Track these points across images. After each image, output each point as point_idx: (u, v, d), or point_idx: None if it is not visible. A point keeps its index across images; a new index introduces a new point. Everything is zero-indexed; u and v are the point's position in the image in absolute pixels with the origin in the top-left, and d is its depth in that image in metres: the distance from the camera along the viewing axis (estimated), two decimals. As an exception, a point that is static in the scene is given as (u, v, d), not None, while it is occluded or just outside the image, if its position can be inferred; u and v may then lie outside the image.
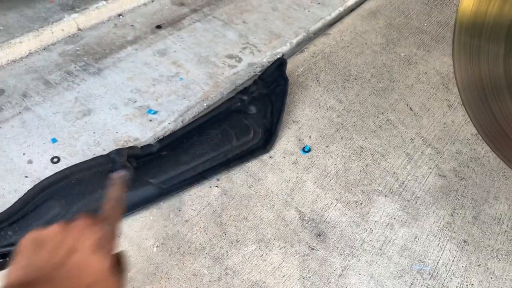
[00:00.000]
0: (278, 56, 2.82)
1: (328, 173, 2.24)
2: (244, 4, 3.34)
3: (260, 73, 2.64)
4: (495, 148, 1.58)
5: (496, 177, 2.31)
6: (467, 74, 1.43)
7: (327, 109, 2.59)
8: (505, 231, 2.07)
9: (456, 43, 1.37)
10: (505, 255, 1.97)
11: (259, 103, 2.45)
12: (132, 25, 2.97)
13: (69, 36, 2.81)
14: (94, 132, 2.26)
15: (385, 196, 2.17)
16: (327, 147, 2.37)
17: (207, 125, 2.30)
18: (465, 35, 1.33)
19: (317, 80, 2.77)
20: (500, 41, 1.26)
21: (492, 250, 1.99)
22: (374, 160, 2.34)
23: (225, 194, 2.10)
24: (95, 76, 2.56)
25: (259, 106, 2.44)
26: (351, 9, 3.45)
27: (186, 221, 1.98)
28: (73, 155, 2.14)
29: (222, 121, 2.34)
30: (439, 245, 1.99)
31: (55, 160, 2.11)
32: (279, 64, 2.60)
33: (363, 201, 2.13)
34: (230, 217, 2.01)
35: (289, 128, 2.44)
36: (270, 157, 2.29)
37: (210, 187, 2.12)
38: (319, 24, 3.20)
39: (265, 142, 2.31)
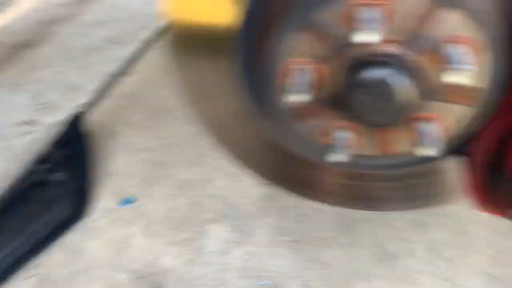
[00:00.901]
0: (80, 110, 2.64)
1: (155, 219, 2.16)
2: (34, 61, 3.09)
3: (60, 134, 2.44)
4: None
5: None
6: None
7: (142, 150, 2.51)
8: (327, 217, 2.21)
9: None
10: (332, 241, 2.11)
11: (65, 167, 2.26)
12: None
13: None
14: None
15: (216, 222, 2.17)
16: (150, 191, 2.29)
17: (5, 210, 2.04)
18: None
19: (127, 123, 2.67)
20: None
21: (320, 240, 2.11)
22: (201, 189, 2.33)
23: (44, 281, 1.87)
24: None
25: (66, 170, 2.25)
26: (148, 42, 3.42)
27: (0, 331, 1.71)
28: None
29: (24, 200, 2.09)
30: (274, 253, 2.05)
31: None
32: (78, 119, 2.44)
33: (195, 236, 2.10)
34: (54, 305, 1.80)
35: (105, 183, 2.30)
36: (90, 221, 2.11)
37: (25, 279, 1.87)
38: (118, 64, 3.10)
39: (79, 208, 2.13)
